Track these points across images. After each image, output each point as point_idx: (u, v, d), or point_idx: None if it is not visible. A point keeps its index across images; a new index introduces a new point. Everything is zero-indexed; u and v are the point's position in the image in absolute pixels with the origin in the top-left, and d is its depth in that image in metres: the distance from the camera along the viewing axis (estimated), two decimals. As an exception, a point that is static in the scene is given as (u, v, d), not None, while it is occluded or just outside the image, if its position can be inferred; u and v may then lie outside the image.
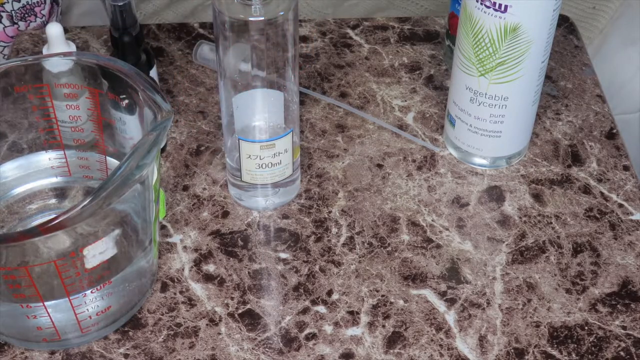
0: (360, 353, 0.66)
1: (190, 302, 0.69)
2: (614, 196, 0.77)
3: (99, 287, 0.63)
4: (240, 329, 0.67)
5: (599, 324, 0.68)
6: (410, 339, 0.67)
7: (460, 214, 0.76)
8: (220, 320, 0.68)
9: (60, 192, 0.73)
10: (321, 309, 0.69)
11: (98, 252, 0.60)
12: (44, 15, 1.02)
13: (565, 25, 0.95)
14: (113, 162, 0.70)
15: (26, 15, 0.99)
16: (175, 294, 0.69)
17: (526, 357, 0.66)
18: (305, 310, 0.68)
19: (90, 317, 0.64)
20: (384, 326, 0.67)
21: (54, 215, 0.54)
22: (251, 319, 0.68)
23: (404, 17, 0.96)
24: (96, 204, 0.55)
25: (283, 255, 0.72)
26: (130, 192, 0.58)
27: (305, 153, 0.81)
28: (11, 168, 0.72)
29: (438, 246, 0.73)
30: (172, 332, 0.67)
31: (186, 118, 0.84)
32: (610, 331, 0.67)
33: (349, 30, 0.94)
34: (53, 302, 0.62)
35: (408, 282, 0.70)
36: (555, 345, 0.66)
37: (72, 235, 0.58)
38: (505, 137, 0.77)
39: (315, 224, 0.75)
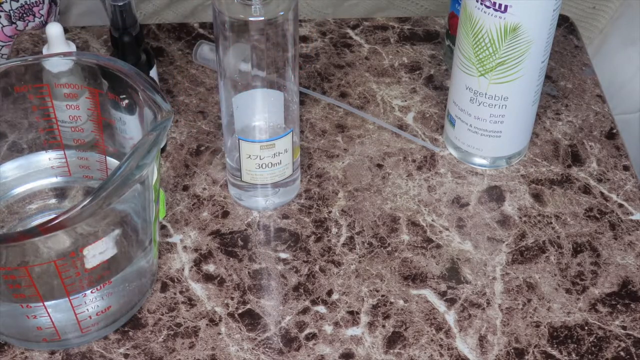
0: (360, 353, 0.66)
1: (190, 302, 0.69)
2: (614, 196, 0.77)
3: (99, 287, 0.63)
4: (240, 329, 0.67)
5: (599, 324, 0.68)
6: (410, 339, 0.67)
7: (460, 214, 0.76)
8: (220, 320, 0.68)
9: (60, 192, 0.73)
10: (321, 309, 0.69)
11: (98, 252, 0.60)
12: (42, 15, 1.02)
13: (565, 25, 0.95)
14: (113, 162, 0.70)
15: (24, 15, 0.99)
16: (175, 294, 0.69)
17: (526, 357, 0.66)
18: (305, 310, 0.68)
19: (90, 317, 0.64)
20: (384, 326, 0.67)
21: (54, 215, 0.54)
22: (251, 319, 0.68)
23: (404, 17, 0.96)
24: (96, 204, 0.55)
25: (283, 255, 0.72)
26: (130, 192, 0.58)
27: (305, 153, 0.81)
28: (11, 168, 0.72)
29: (438, 246, 0.73)
30: (172, 332, 0.67)
31: (186, 118, 0.84)
32: (610, 331, 0.67)
33: (349, 30, 0.94)
34: (53, 302, 0.62)
35: (408, 282, 0.70)
36: (555, 345, 0.66)
37: (72, 235, 0.58)
38: (505, 137, 0.77)
39: (315, 224, 0.75)
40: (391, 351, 0.66)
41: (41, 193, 0.73)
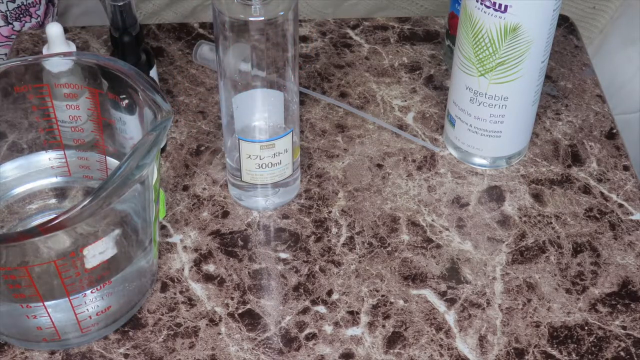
0: (360, 353, 0.66)
1: (190, 302, 0.69)
2: (614, 196, 0.77)
3: (99, 287, 0.63)
4: (240, 329, 0.67)
5: (599, 324, 0.68)
6: (410, 339, 0.67)
7: (460, 214, 0.76)
8: (220, 320, 0.68)
9: (60, 192, 0.73)
10: (321, 309, 0.69)
11: (98, 252, 0.60)
12: (39, 15, 1.02)
13: (565, 25, 0.95)
14: (113, 162, 0.70)
15: (21, 16, 0.99)
16: (175, 294, 0.69)
17: (526, 357, 0.66)
18: (305, 310, 0.68)
19: (90, 317, 0.64)
20: (384, 326, 0.67)
21: (54, 215, 0.54)
22: (251, 319, 0.68)
23: (404, 17, 0.96)
24: (96, 204, 0.55)
25: (283, 255, 0.72)
26: (130, 192, 0.58)
27: (305, 153, 0.81)
28: (11, 168, 0.72)
29: (438, 246, 0.73)
30: (172, 332, 0.67)
31: (186, 118, 0.84)
32: (610, 331, 0.67)
33: (349, 30, 0.94)
34: (53, 302, 0.62)
35: (408, 282, 0.70)
36: (555, 345, 0.66)
37: (72, 235, 0.58)
38: (505, 137, 0.77)
39: (315, 224, 0.75)
40: (391, 351, 0.66)
41: (41, 193, 0.73)
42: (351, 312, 0.68)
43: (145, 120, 0.63)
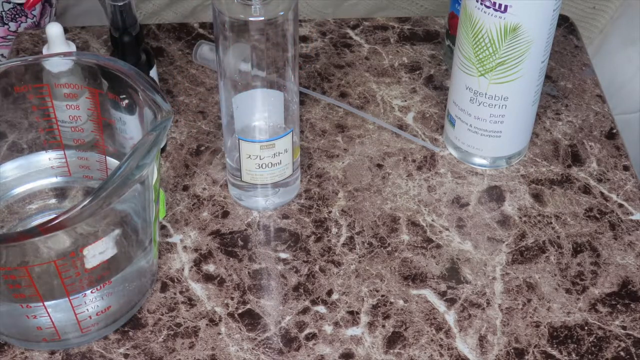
0: (360, 353, 0.66)
1: (190, 302, 0.69)
2: (614, 196, 0.77)
3: (99, 287, 0.63)
4: (240, 329, 0.67)
5: (599, 324, 0.68)
6: (410, 339, 0.67)
7: (460, 214, 0.76)
8: (220, 320, 0.68)
9: (60, 192, 0.73)
10: (321, 309, 0.69)
11: (98, 252, 0.60)
12: (34, 15, 1.02)
13: (565, 25, 0.95)
14: (113, 162, 0.70)
15: (17, 16, 0.99)
16: (175, 294, 0.69)
17: (526, 357, 0.66)
18: (305, 310, 0.68)
19: (90, 317, 0.64)
20: (384, 326, 0.67)
21: (54, 215, 0.54)
22: (251, 319, 0.68)
23: (404, 17, 0.96)
24: (96, 204, 0.55)
25: (283, 255, 0.72)
26: (130, 192, 0.58)
27: (305, 153, 0.81)
28: (11, 168, 0.72)
29: (438, 246, 0.73)
30: (172, 332, 0.67)
31: (186, 118, 0.84)
32: (610, 331, 0.67)
33: (349, 30, 0.94)
34: (53, 302, 0.62)
35: (408, 282, 0.70)
36: (555, 345, 0.66)
37: (72, 235, 0.58)
38: (505, 137, 0.77)
39: (315, 224, 0.75)
40: (391, 351, 0.66)
41: (41, 193, 0.73)
42: (351, 312, 0.68)
43: (145, 120, 0.63)
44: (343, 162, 0.80)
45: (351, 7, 1.21)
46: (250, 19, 0.64)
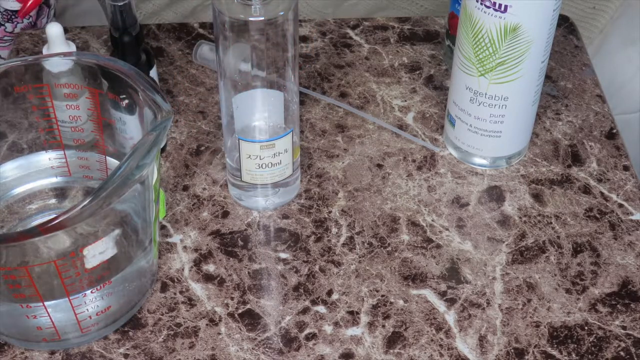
0: (360, 353, 0.66)
1: (190, 302, 0.69)
2: (614, 196, 0.77)
3: (99, 287, 0.63)
4: (240, 329, 0.67)
5: (599, 324, 0.68)
6: (410, 339, 0.67)
7: (460, 214, 0.76)
8: (220, 320, 0.68)
9: (60, 192, 0.73)
10: (321, 309, 0.69)
11: (98, 252, 0.60)
12: (31, 16, 1.02)
13: (565, 25, 0.95)
14: (113, 162, 0.70)
15: (13, 17, 0.99)
16: (175, 294, 0.69)
17: (526, 357, 0.66)
18: (305, 310, 0.68)
19: (90, 317, 0.64)
20: (384, 326, 0.67)
21: (54, 215, 0.54)
22: (251, 319, 0.68)
23: (404, 17, 0.96)
24: (96, 204, 0.55)
25: (283, 255, 0.72)
26: (130, 192, 0.58)
27: (305, 153, 0.81)
28: (11, 168, 0.72)
29: (438, 246, 0.73)
30: (172, 332, 0.67)
31: (186, 118, 0.84)
32: (610, 331, 0.67)
33: (349, 30, 0.94)
34: (53, 302, 0.62)
35: (408, 282, 0.70)
36: (555, 345, 0.66)
37: (72, 235, 0.58)
38: (505, 137, 0.77)
39: (315, 224, 0.75)
40: (391, 351, 0.66)
41: (41, 193, 0.73)
42: (351, 312, 0.68)
43: (145, 120, 0.63)
44: (343, 162, 0.80)
45: (351, 7, 1.21)
46: (250, 19, 0.64)
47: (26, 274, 0.58)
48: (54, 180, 0.73)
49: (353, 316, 0.68)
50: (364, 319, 0.68)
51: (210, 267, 0.71)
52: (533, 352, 0.66)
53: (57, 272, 0.59)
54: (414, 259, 0.72)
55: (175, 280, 0.70)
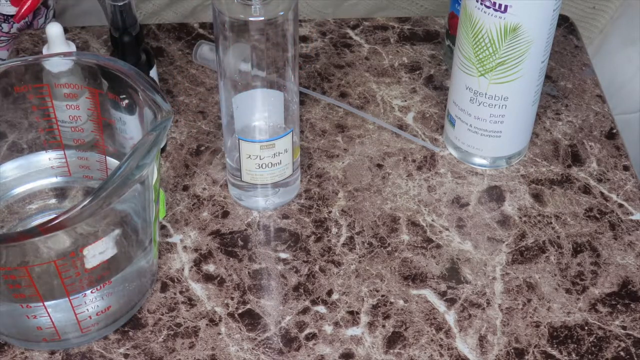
0: (360, 353, 0.66)
1: (190, 302, 0.69)
2: (614, 196, 0.77)
3: (99, 287, 0.63)
4: (240, 329, 0.67)
5: (599, 324, 0.68)
6: (410, 339, 0.67)
7: (460, 214, 0.76)
8: (220, 320, 0.68)
9: (60, 192, 0.73)
10: (321, 309, 0.69)
11: (98, 252, 0.60)
12: (27, 16, 1.01)
13: (565, 25, 0.95)
14: (113, 162, 0.70)
15: (9, 17, 0.99)
16: (175, 294, 0.69)
17: (526, 357, 0.66)
18: (305, 310, 0.68)
19: (90, 317, 0.64)
20: (384, 326, 0.67)
21: (54, 215, 0.54)
22: (251, 319, 0.68)
23: (404, 17, 0.96)
24: (96, 204, 0.55)
25: (283, 255, 0.72)
26: (130, 192, 0.58)
27: (305, 153, 0.81)
28: (11, 168, 0.72)
29: (438, 246, 0.73)
30: (172, 332, 0.67)
31: (186, 118, 0.84)
32: (610, 331, 0.67)
33: (349, 30, 0.94)
34: (53, 302, 0.62)
35: (408, 282, 0.70)
36: (555, 345, 0.66)
37: (72, 235, 0.58)
38: (505, 137, 0.77)
39: (315, 224, 0.75)
40: (391, 351, 0.66)
41: (41, 193, 0.73)
42: (351, 312, 0.68)
43: (145, 120, 0.63)
44: (343, 162, 0.80)
45: (351, 7, 1.21)
46: (250, 19, 0.64)
47: (26, 274, 0.58)
48: (54, 180, 0.73)
49: (353, 316, 0.68)
50: (364, 319, 0.68)
51: (210, 267, 0.71)
52: (533, 352, 0.66)
53: (57, 272, 0.59)
54: (414, 259, 0.72)
55: (175, 280, 0.70)
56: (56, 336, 0.64)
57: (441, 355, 0.66)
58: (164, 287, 0.70)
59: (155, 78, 0.80)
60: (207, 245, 0.73)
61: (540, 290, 0.70)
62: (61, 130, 0.70)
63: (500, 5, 0.68)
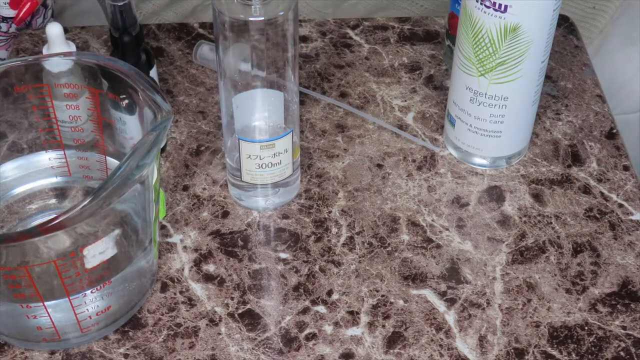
0: (360, 353, 0.66)
1: (190, 302, 0.69)
2: (614, 196, 0.77)
3: (99, 287, 0.63)
4: (240, 329, 0.67)
5: (599, 324, 0.68)
6: (410, 339, 0.67)
7: (460, 214, 0.76)
8: (220, 320, 0.68)
9: (60, 192, 0.73)
10: (321, 309, 0.69)
11: (98, 252, 0.60)
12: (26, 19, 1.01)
13: (565, 25, 0.95)
14: (113, 162, 0.70)
15: (7, 18, 0.99)
16: (175, 294, 0.69)
17: (526, 357, 0.66)
18: (305, 310, 0.68)
19: (90, 317, 0.64)
20: (384, 326, 0.67)
21: (54, 215, 0.54)
22: (251, 319, 0.68)
23: (404, 17, 0.96)
24: (96, 204, 0.55)
25: (283, 255, 0.72)
26: (130, 192, 0.58)
27: (305, 153, 0.81)
28: (11, 168, 0.72)
29: (438, 246, 0.73)
30: (172, 332, 0.67)
31: (186, 118, 0.84)
32: (610, 331, 0.67)
33: (349, 30, 0.94)
34: (53, 302, 0.62)
35: (408, 282, 0.70)
36: (555, 345, 0.66)
37: (72, 235, 0.58)
38: (505, 137, 0.77)
39: (315, 224, 0.75)
40: (391, 351, 0.66)
41: (41, 193, 0.73)
42: (351, 312, 0.68)
43: (145, 120, 0.63)
44: (343, 162, 0.80)
45: (351, 7, 1.21)
46: (250, 19, 0.64)
47: (26, 274, 0.58)
48: (54, 180, 0.73)
49: (353, 316, 0.68)
50: (364, 319, 0.68)
51: (210, 267, 0.71)
52: (533, 352, 0.66)
53: (57, 272, 0.59)
54: (414, 259, 0.72)
55: (175, 280, 0.70)
56: (56, 336, 0.64)
57: (441, 355, 0.66)
58: (164, 287, 0.70)
59: (155, 78, 0.80)
60: (207, 245, 0.73)
61: (540, 290, 0.70)
62: (61, 130, 0.70)
63: (500, 5, 0.68)
